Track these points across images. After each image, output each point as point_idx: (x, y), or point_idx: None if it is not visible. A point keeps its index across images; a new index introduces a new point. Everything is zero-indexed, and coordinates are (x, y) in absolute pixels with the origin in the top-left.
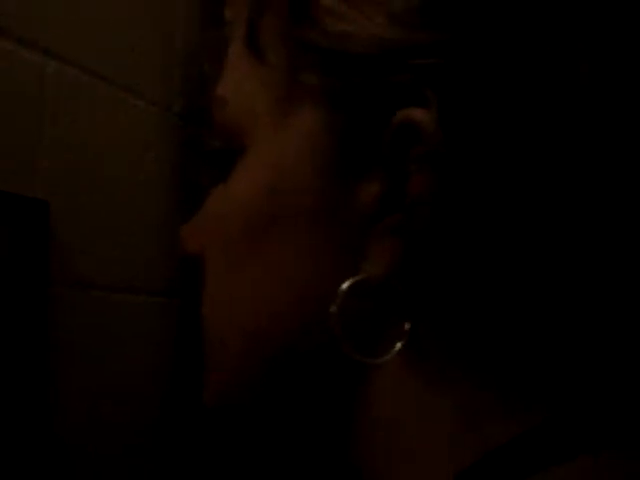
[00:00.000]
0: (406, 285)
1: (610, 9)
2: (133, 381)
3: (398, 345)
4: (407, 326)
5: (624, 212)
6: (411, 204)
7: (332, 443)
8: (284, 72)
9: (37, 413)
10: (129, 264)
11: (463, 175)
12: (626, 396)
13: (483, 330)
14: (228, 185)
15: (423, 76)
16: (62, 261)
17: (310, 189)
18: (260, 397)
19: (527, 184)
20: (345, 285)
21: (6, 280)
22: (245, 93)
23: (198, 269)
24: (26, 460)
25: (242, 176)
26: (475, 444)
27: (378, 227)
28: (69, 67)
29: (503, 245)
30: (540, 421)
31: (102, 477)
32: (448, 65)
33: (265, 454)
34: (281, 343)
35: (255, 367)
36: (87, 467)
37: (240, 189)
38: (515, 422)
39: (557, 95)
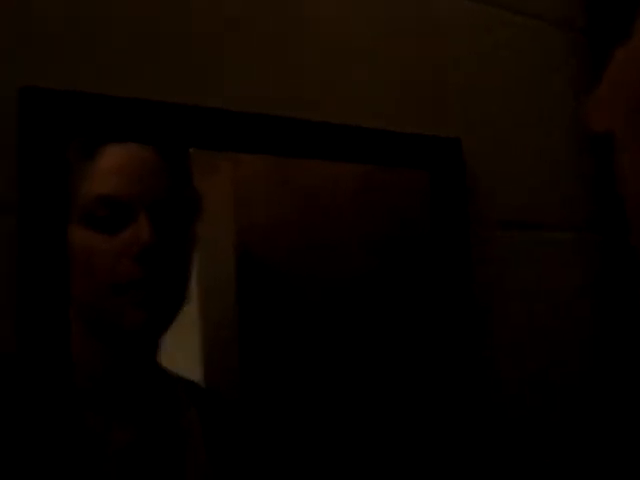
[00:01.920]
0: None
1: None
2: (557, 317)
3: None
4: None
5: None
6: None
7: None
8: None
9: (468, 344)
10: (543, 199)
11: None
12: None
13: None
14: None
15: None
16: (479, 198)
17: None
18: None
19: None
20: None
21: (428, 222)
22: None
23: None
24: (461, 385)
25: None
26: None
27: None
28: None
29: None
30: None
31: (524, 404)
32: None
33: None
34: None
35: None
36: (515, 394)
37: None
38: None
39: None
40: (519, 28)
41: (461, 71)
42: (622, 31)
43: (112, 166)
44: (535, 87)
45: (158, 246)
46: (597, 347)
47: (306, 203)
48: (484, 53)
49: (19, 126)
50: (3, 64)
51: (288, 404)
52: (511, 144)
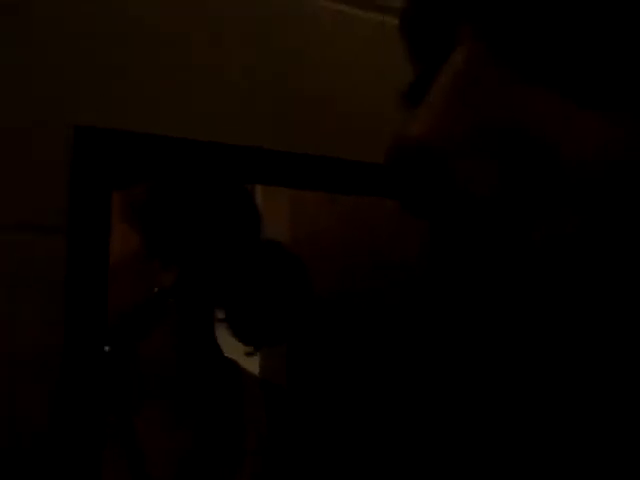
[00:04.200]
0: None
1: None
2: None
3: None
4: None
5: None
6: None
7: None
8: None
9: None
10: None
11: None
12: None
13: None
14: None
15: None
16: None
17: None
18: None
19: None
20: None
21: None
22: None
23: None
24: None
25: None
26: None
27: None
28: None
29: None
30: None
31: None
32: None
33: None
34: None
35: None
36: None
37: None
38: None
39: None
40: None
41: None
42: None
43: None
44: None
45: None
46: None
47: (349, 224)
48: None
49: (73, 160)
50: (61, 105)
51: (330, 411)
52: None
